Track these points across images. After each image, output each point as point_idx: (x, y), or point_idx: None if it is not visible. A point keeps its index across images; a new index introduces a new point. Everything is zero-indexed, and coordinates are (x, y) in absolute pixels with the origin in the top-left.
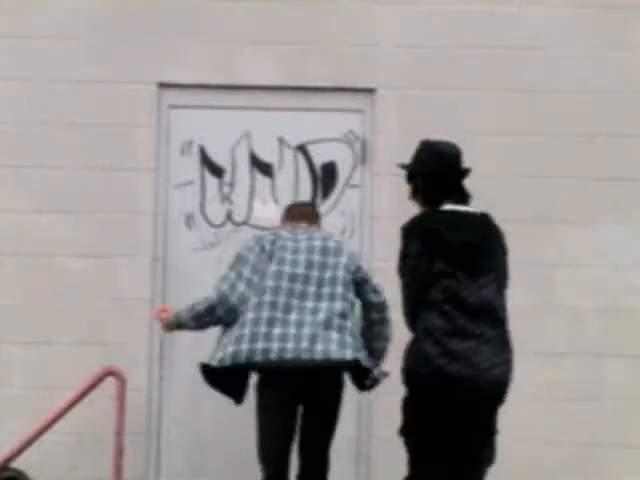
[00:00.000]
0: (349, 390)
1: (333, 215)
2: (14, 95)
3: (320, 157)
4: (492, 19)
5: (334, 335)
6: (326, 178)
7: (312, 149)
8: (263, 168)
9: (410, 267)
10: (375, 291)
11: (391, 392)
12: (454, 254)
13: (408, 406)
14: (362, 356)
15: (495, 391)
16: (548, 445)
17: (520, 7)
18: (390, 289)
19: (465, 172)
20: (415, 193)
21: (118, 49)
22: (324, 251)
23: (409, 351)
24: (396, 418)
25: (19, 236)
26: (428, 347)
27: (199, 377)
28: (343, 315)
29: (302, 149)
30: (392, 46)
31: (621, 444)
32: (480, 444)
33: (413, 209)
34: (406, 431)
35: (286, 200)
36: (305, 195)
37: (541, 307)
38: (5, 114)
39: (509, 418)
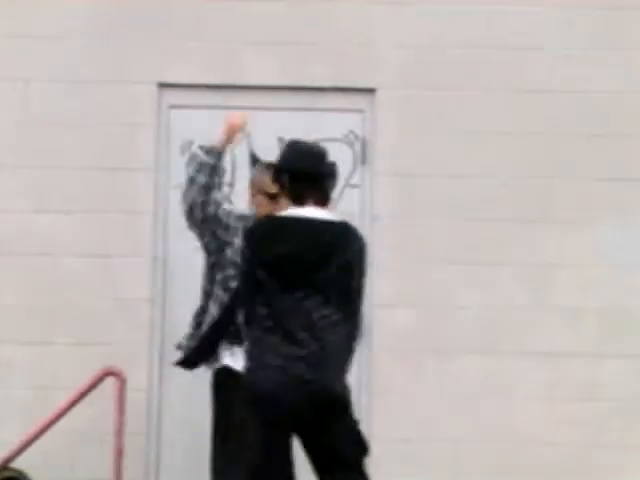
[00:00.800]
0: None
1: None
2: (14, 95)
3: None
4: (492, 19)
5: None
6: None
7: None
8: None
9: (244, 260)
10: None
11: (390, 392)
12: (270, 266)
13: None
14: None
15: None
16: (548, 445)
17: (520, 7)
18: (390, 290)
19: (328, 174)
20: (282, 190)
21: (118, 49)
22: None
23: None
24: (396, 418)
25: (19, 236)
26: (246, 358)
27: (199, 377)
28: None
29: None
30: (392, 46)
31: (621, 444)
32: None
33: (414, 209)
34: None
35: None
36: None
37: (541, 307)
38: (5, 114)
39: (510, 418)
